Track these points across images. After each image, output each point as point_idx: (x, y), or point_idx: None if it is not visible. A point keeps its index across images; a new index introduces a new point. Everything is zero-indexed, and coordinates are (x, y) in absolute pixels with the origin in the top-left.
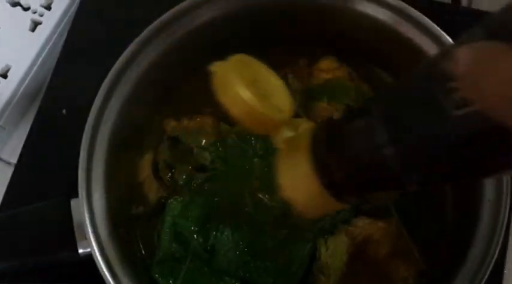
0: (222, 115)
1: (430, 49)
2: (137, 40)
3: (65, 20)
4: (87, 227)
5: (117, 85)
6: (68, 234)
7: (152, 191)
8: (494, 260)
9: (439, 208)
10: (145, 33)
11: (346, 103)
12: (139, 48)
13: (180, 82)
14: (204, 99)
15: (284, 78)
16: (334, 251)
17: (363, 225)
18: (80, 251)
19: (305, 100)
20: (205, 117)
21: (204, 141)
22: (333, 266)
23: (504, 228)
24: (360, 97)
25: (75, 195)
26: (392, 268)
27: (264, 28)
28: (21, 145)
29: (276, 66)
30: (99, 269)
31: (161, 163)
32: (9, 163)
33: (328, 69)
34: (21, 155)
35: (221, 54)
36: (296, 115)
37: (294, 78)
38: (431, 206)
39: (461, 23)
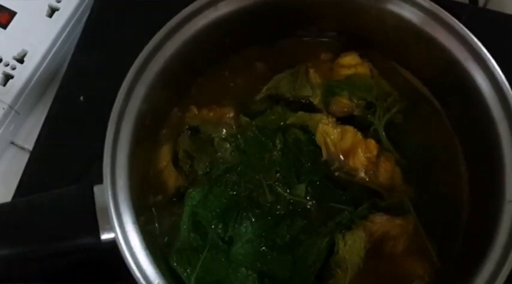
0: (241, 108)
1: (455, 49)
2: (161, 32)
3: (83, 7)
4: (111, 213)
5: (142, 74)
6: (91, 220)
7: (171, 180)
8: None
9: (457, 207)
10: (168, 25)
11: (367, 99)
12: (163, 39)
13: (200, 74)
14: (224, 91)
15: (305, 72)
16: (352, 246)
17: (380, 221)
18: (102, 237)
19: (325, 95)
20: (224, 108)
21: (224, 131)
22: (351, 261)
23: None
24: (381, 95)
25: (98, 181)
26: (409, 266)
27: (285, 21)
28: (35, 131)
29: (298, 60)
30: (123, 255)
31: (181, 153)
32: (23, 149)
33: (349, 65)
34: (37, 141)
35: (240, 47)
36: (316, 111)
37: (316, 72)
38: (449, 205)
39: (478, 23)
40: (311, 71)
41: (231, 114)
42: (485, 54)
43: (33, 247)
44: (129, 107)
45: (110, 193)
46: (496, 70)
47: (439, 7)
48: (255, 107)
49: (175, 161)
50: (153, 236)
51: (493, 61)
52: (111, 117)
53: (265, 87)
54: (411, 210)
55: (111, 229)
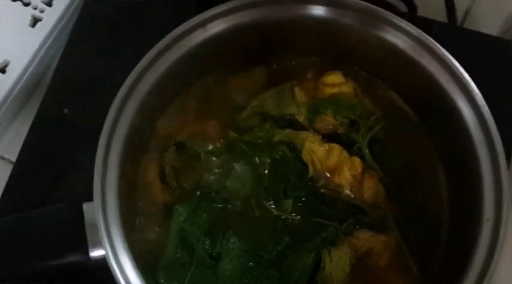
0: (228, 124)
1: (437, 72)
2: (154, 48)
3: (66, 17)
4: (101, 231)
5: (133, 92)
6: (80, 238)
7: (159, 196)
8: (491, 277)
9: (438, 224)
10: (159, 44)
11: (350, 118)
12: (156, 56)
13: (188, 89)
14: (210, 107)
15: (291, 90)
16: (338, 263)
17: (365, 238)
18: (91, 255)
19: (310, 113)
20: (210, 123)
21: (210, 146)
22: (336, 277)
23: (502, 247)
24: (364, 113)
25: (86, 199)
26: (392, 281)
27: (273, 39)
28: (16, 141)
29: (284, 77)
30: (113, 273)
31: (168, 168)
32: (3, 159)
33: (334, 83)
34: (20, 154)
35: (227, 64)
36: (302, 128)
37: (301, 90)
38: (430, 222)
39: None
40: (296, 89)
41: (217, 129)
42: (465, 78)
43: (22, 265)
44: (119, 125)
45: (100, 210)
46: (476, 93)
47: (422, 32)
48: (243, 124)
49: (162, 176)
50: (142, 253)
51: (473, 84)
52: (101, 135)
53: (251, 105)
54: (393, 226)
55: (100, 246)
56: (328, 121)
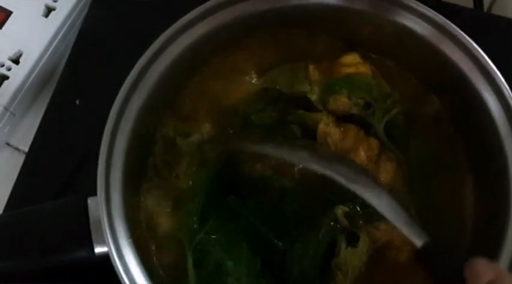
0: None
1: (461, 61)
2: (160, 37)
3: (79, 6)
4: (105, 228)
5: (138, 84)
6: (84, 233)
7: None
8: None
9: (461, 220)
10: (167, 32)
11: (366, 99)
12: (162, 46)
13: (195, 78)
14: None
15: (305, 67)
16: (354, 250)
17: (385, 229)
18: (96, 250)
19: (324, 93)
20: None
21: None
22: (352, 264)
23: None
24: (381, 96)
25: (92, 193)
26: (411, 277)
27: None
28: (30, 132)
29: (298, 56)
30: (117, 272)
31: (159, 163)
32: (18, 150)
33: (351, 63)
34: (32, 145)
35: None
36: (314, 109)
37: (315, 69)
38: (452, 217)
39: (481, 27)
40: (311, 67)
41: (207, 127)
42: (491, 67)
43: (26, 260)
44: (124, 118)
45: (104, 207)
46: (503, 84)
47: (444, 18)
48: (252, 102)
49: (157, 172)
50: (147, 251)
51: (499, 74)
52: (105, 129)
53: (262, 80)
54: (413, 215)
55: (105, 242)
56: (342, 101)
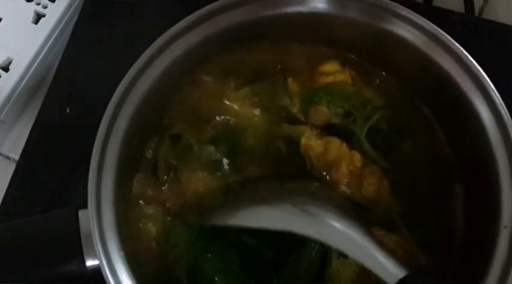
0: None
1: (452, 69)
2: (152, 46)
3: (69, 13)
4: (96, 239)
5: (127, 96)
6: (76, 246)
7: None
8: None
9: (450, 226)
10: (157, 42)
11: (345, 108)
12: (154, 55)
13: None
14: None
15: (283, 80)
16: (345, 260)
17: (377, 236)
18: (88, 264)
19: (304, 105)
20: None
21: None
22: (344, 275)
23: None
24: (360, 103)
25: (84, 203)
26: None
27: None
28: (21, 140)
29: (276, 68)
30: (107, 282)
31: (161, 162)
32: (8, 158)
33: (329, 72)
34: (23, 153)
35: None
36: (296, 120)
37: (294, 81)
38: (441, 223)
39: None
40: (289, 79)
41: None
42: (483, 76)
43: (16, 274)
44: (115, 128)
45: (94, 220)
46: (493, 91)
47: (436, 27)
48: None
49: (154, 170)
50: (139, 264)
51: (489, 81)
52: (96, 138)
53: (242, 90)
54: (400, 224)
55: (97, 255)
56: (322, 111)
